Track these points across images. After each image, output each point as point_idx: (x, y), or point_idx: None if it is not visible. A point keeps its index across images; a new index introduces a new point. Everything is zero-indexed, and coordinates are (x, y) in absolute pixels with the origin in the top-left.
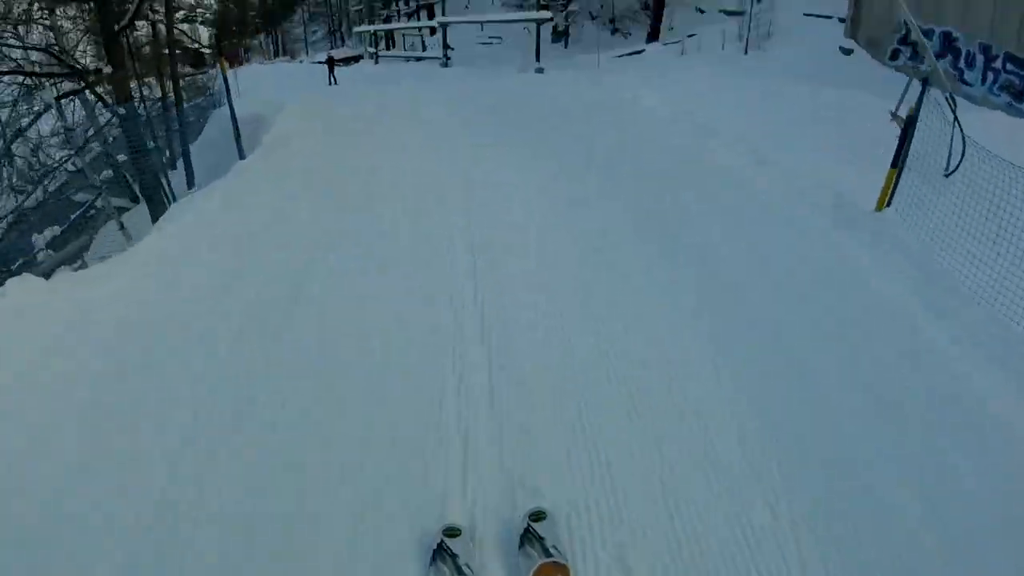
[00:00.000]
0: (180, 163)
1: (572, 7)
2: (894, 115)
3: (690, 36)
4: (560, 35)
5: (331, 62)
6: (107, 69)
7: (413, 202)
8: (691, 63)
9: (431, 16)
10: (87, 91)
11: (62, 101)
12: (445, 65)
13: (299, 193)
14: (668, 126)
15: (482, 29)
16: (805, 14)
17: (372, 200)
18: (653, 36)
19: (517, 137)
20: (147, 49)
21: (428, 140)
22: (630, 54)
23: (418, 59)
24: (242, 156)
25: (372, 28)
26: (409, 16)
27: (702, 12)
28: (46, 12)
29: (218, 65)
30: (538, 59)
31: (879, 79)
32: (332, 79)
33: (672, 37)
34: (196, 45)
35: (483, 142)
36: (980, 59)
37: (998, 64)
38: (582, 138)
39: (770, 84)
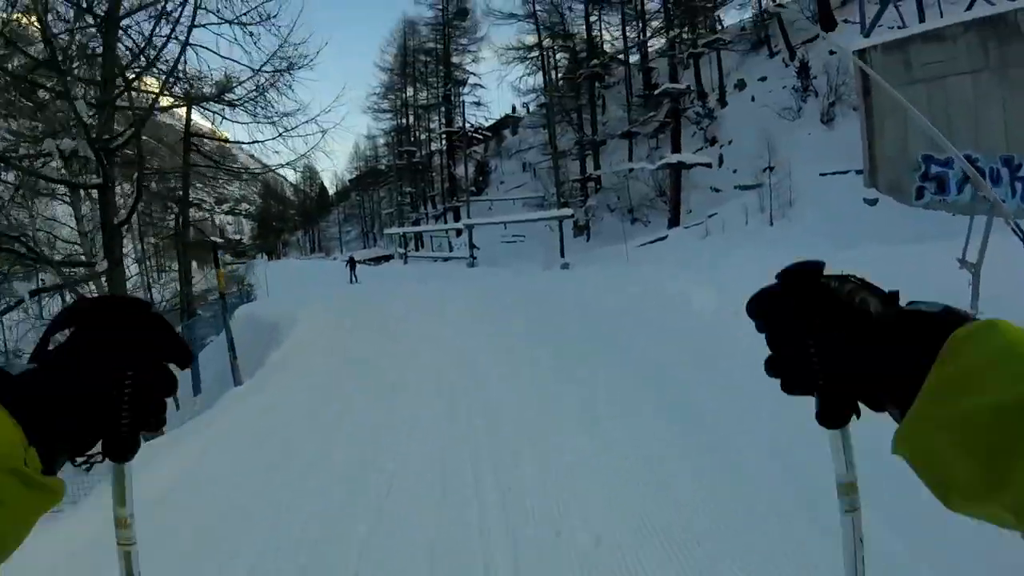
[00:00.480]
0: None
1: (591, 202)
2: (963, 261)
3: (711, 216)
4: (581, 229)
5: (352, 262)
6: (102, 264)
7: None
8: (715, 243)
9: (457, 218)
10: (67, 290)
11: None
12: (472, 265)
13: (293, 442)
14: (694, 314)
15: (505, 228)
16: (821, 174)
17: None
18: (674, 221)
19: (542, 338)
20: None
21: (455, 340)
22: (653, 241)
23: (445, 259)
24: (237, 382)
25: (401, 230)
26: (436, 219)
27: (718, 191)
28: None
29: (262, 257)
30: (563, 255)
31: (909, 222)
32: (353, 277)
33: (693, 219)
34: (238, 237)
35: (508, 344)
36: (1005, 172)
37: None
38: (610, 342)
39: (800, 252)
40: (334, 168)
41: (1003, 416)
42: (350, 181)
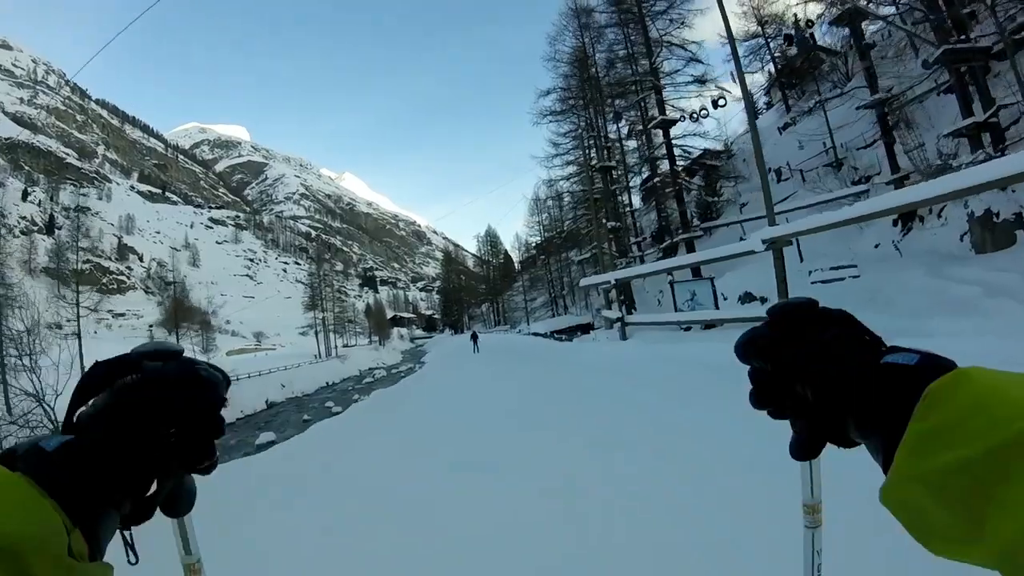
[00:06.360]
0: None
1: None
2: None
3: None
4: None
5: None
6: None
7: None
8: None
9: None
10: None
11: None
12: None
13: None
14: None
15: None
16: None
17: None
18: None
19: None
20: None
21: None
22: None
23: (705, 326)
24: None
25: (613, 276)
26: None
27: None
28: None
29: (447, 331)
30: None
31: None
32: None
33: None
34: (430, 312)
35: None
36: None
37: None
38: None
39: None
40: (515, 232)
41: (973, 469)
42: (536, 247)
